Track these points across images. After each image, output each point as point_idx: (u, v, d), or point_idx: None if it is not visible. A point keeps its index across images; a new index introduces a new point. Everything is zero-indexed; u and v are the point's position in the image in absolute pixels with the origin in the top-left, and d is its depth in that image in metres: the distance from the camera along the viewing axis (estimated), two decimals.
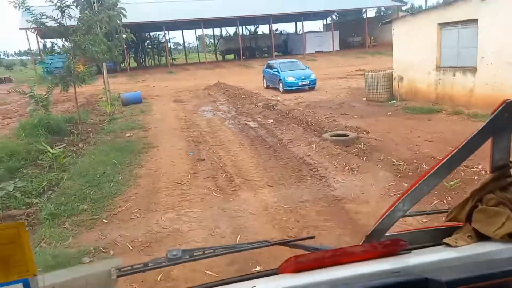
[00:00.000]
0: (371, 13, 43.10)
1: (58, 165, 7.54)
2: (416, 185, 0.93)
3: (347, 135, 8.03)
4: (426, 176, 0.93)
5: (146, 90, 21.55)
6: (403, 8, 43.57)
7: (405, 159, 6.42)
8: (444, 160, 0.91)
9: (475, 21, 9.19)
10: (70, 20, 9.40)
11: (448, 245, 0.97)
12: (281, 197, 5.48)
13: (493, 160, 0.95)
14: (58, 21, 9.08)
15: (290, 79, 17.03)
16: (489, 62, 8.97)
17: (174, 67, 36.04)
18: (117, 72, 32.64)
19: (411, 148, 7.06)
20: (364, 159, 6.78)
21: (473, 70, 9.49)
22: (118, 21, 14.44)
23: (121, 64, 36.25)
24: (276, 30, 46.18)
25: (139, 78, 29.39)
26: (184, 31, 46.58)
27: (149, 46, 45.92)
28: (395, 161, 6.39)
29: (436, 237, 1.04)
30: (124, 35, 16.34)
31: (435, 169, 0.92)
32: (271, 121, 10.66)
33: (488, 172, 0.98)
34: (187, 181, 6.35)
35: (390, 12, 44.34)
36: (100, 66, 14.58)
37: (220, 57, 45.14)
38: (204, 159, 7.54)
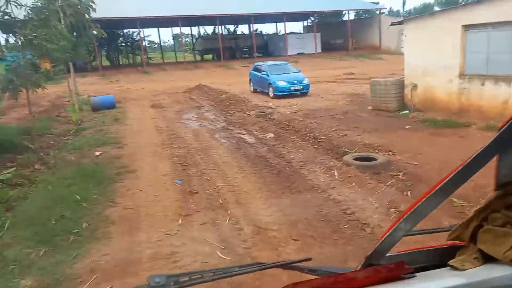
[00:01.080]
0: (351, 16, 42.24)
1: (1, 199, 5.65)
2: (419, 203, 0.89)
3: (375, 159, 6.50)
4: (429, 194, 0.88)
5: (120, 92, 19.47)
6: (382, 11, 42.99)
7: (464, 196, 4.94)
8: (449, 178, 0.86)
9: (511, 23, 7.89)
10: (19, 8, 7.42)
11: (454, 267, 0.93)
12: (317, 259, 3.86)
13: (498, 176, 0.92)
14: (2, 9, 7.09)
15: (282, 84, 15.43)
16: None
17: (149, 66, 33.75)
18: (88, 71, 30.15)
19: None
20: (409, 194, 5.27)
21: (508, 79, 8.19)
22: (86, 15, 12.53)
23: (93, 63, 33.72)
24: (256, 30, 44.55)
25: (112, 78, 27.05)
26: (160, 29, 44.33)
27: (123, 44, 43.24)
28: (455, 200, 4.89)
29: (437, 257, 1.02)
30: (94, 31, 14.43)
31: (439, 186, 0.87)
32: (271, 135, 9.03)
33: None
34: (177, 230, 4.62)
35: (367, 15, 43.87)
36: (64, 65, 12.50)
37: (198, 57, 43.09)
38: (197, 192, 5.82)
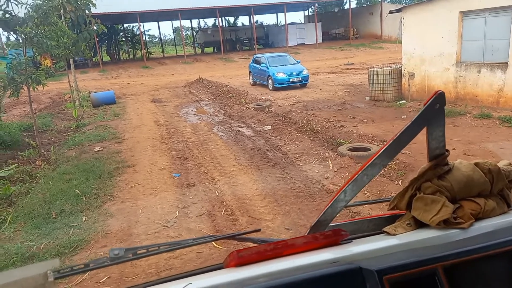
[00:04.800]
0: (352, 4, 41.89)
1: (3, 195, 5.81)
2: (356, 175, 0.95)
3: (369, 149, 6.61)
4: (365, 167, 0.94)
5: (120, 88, 19.60)
6: None
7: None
8: (382, 151, 0.93)
9: (508, 8, 7.87)
10: (19, 6, 7.51)
11: (388, 233, 1.00)
12: None
13: (430, 149, 0.98)
14: (3, 7, 7.18)
15: (281, 76, 15.47)
16: None
17: (150, 61, 33.81)
18: (88, 67, 30.29)
19: None
20: (400, 183, 5.37)
21: (504, 65, 8.21)
22: (87, 11, 12.60)
23: (93, 58, 33.80)
24: (257, 21, 44.38)
25: (112, 74, 27.18)
26: (160, 22, 44.24)
27: (123, 39, 43.26)
28: None
29: (379, 226, 1.06)
30: (95, 27, 14.53)
31: (373, 159, 0.93)
32: (269, 127, 9.13)
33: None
34: (174, 222, 4.77)
35: (368, 3, 43.36)
36: (64, 61, 12.63)
37: (198, 50, 43.08)
38: (194, 185, 5.96)
